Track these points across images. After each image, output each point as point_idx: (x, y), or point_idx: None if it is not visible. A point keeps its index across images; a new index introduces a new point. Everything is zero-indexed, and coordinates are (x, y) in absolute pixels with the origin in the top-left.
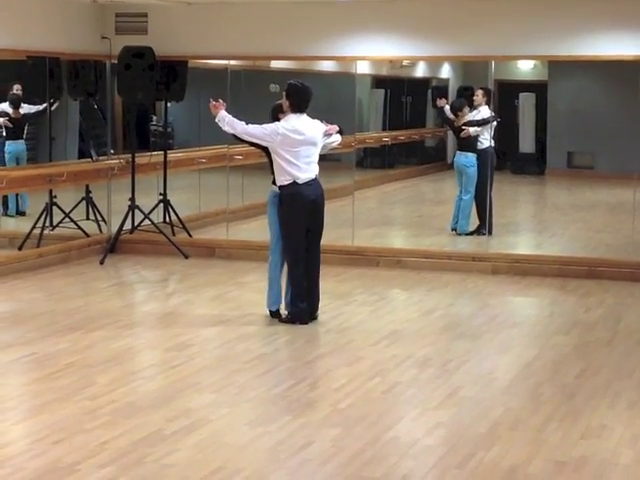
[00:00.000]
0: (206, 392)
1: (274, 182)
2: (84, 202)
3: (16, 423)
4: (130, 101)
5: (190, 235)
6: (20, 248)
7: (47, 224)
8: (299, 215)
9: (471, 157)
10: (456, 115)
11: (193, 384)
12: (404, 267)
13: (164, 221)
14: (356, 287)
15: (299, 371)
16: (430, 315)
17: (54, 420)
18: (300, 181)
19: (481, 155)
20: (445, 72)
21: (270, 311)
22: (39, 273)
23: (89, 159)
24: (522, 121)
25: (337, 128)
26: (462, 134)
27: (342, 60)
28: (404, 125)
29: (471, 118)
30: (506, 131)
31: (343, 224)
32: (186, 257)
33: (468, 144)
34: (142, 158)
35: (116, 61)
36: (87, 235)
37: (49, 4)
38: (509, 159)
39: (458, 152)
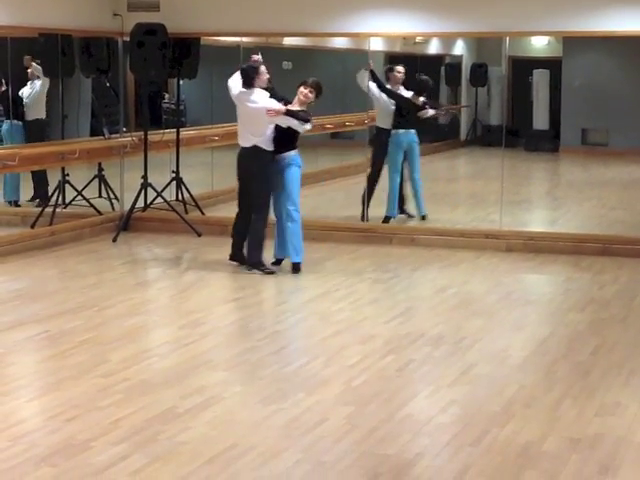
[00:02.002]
0: (219, 370)
1: None
2: (97, 180)
3: (30, 400)
4: (142, 78)
5: (203, 213)
6: (33, 226)
7: (59, 202)
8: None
9: (415, 134)
10: (421, 94)
11: (206, 362)
12: (417, 245)
13: (177, 199)
14: (369, 265)
15: (312, 348)
16: (444, 293)
17: (68, 397)
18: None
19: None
20: (459, 49)
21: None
22: (52, 251)
23: (102, 137)
24: (536, 98)
25: (282, 110)
26: (421, 113)
27: (355, 37)
28: None
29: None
30: (520, 108)
31: (357, 202)
32: (199, 235)
33: (413, 122)
34: (155, 136)
35: (128, 38)
36: (100, 213)
37: None
38: (523, 136)
39: (404, 130)
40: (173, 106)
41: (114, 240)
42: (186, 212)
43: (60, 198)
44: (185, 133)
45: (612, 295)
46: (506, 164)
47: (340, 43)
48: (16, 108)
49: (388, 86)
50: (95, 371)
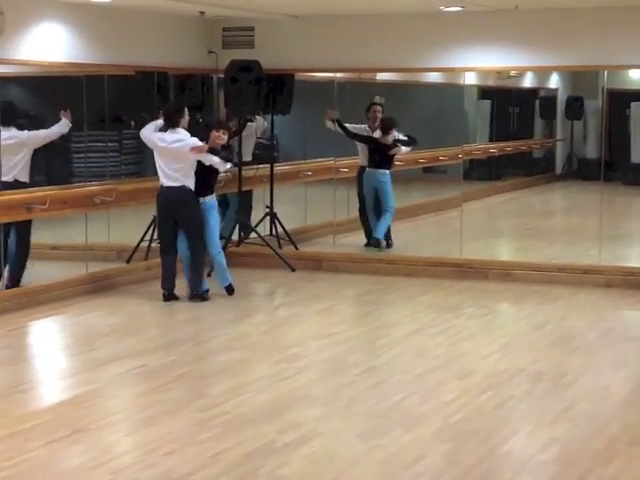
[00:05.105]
0: (316, 405)
1: None
2: None
3: (128, 434)
4: (236, 114)
5: (297, 248)
6: (128, 261)
7: (154, 237)
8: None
9: (388, 174)
10: (387, 132)
11: (303, 396)
12: (513, 280)
13: (271, 234)
14: (465, 300)
15: (409, 384)
16: (541, 329)
17: (166, 431)
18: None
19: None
20: (554, 82)
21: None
22: (147, 285)
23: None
24: (634, 131)
25: (205, 148)
26: (393, 151)
27: (451, 71)
28: (511, 136)
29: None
30: (617, 141)
31: (451, 236)
32: (293, 270)
33: (386, 161)
34: (248, 171)
35: (223, 75)
36: None
37: (158, 19)
38: (620, 170)
39: (372, 169)
40: (265, 141)
41: (208, 275)
42: (280, 247)
43: (155, 233)
44: (278, 168)
45: None
46: (604, 198)
47: (432, 77)
48: None
49: (364, 125)
50: (192, 405)
